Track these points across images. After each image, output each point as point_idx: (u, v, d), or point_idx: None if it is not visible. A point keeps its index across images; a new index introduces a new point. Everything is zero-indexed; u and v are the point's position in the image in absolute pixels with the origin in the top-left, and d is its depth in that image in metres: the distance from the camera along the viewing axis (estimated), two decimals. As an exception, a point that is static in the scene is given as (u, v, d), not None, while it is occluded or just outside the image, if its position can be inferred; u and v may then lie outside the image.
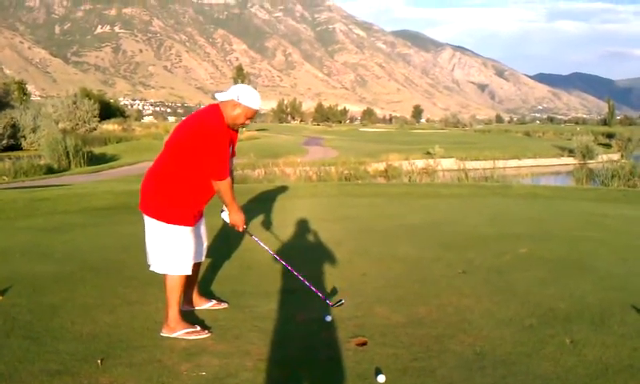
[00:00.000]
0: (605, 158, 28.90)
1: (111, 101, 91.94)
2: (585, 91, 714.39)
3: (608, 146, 49.65)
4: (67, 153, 26.67)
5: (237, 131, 4.05)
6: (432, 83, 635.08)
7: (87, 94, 62.93)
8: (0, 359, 3.31)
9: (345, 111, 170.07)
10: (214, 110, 3.86)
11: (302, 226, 7.24)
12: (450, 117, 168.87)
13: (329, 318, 4.03)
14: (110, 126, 59.78)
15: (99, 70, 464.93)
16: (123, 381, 3.10)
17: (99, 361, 3.30)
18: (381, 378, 3.09)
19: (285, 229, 7.04)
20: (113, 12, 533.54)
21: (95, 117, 50.08)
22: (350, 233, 7.38)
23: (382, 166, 29.75)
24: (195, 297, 4.34)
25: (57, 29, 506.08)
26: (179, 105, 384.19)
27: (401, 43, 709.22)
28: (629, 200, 11.30)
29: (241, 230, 4.10)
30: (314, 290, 4.22)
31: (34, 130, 40.51)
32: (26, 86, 79.33)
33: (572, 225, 7.90)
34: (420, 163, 30.68)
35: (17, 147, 39.04)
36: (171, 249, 3.82)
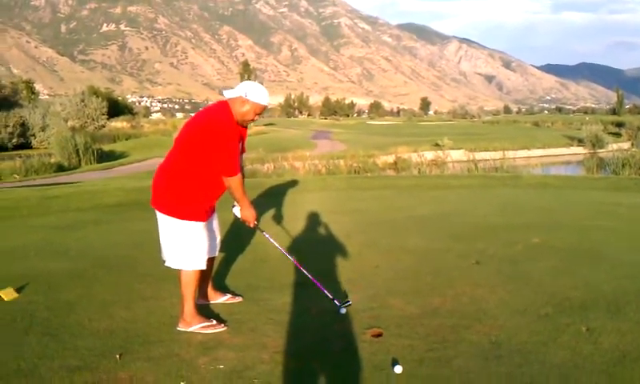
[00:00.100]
0: (615, 147, 28.70)
1: (119, 98, 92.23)
2: (593, 81, 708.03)
3: (618, 134, 49.23)
4: (77, 150, 26.76)
5: (246, 127, 4.06)
6: (439, 75, 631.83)
7: (95, 92, 63.30)
8: (20, 356, 3.35)
9: (352, 105, 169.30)
10: (223, 107, 3.87)
11: (312, 220, 7.26)
12: (458, 108, 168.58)
13: (343, 311, 4.05)
14: (119, 124, 60.20)
15: (106, 67, 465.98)
16: (142, 375, 3.12)
17: (118, 356, 3.33)
18: (398, 369, 3.10)
19: (295, 222, 7.06)
20: (118, 10, 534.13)
21: (103, 114, 50.35)
22: (360, 225, 7.38)
23: (391, 159, 29.50)
24: (210, 291, 4.37)
25: (63, 28, 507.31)
26: (187, 101, 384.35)
27: (407, 36, 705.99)
28: (640, 188, 11.22)
29: (252, 225, 4.12)
30: (322, 289, 4.22)
31: (43, 129, 40.75)
32: (34, 85, 79.74)
33: (583, 214, 7.86)
34: (429, 155, 30.41)
35: (27, 146, 39.30)
36: (185, 244, 3.84)
